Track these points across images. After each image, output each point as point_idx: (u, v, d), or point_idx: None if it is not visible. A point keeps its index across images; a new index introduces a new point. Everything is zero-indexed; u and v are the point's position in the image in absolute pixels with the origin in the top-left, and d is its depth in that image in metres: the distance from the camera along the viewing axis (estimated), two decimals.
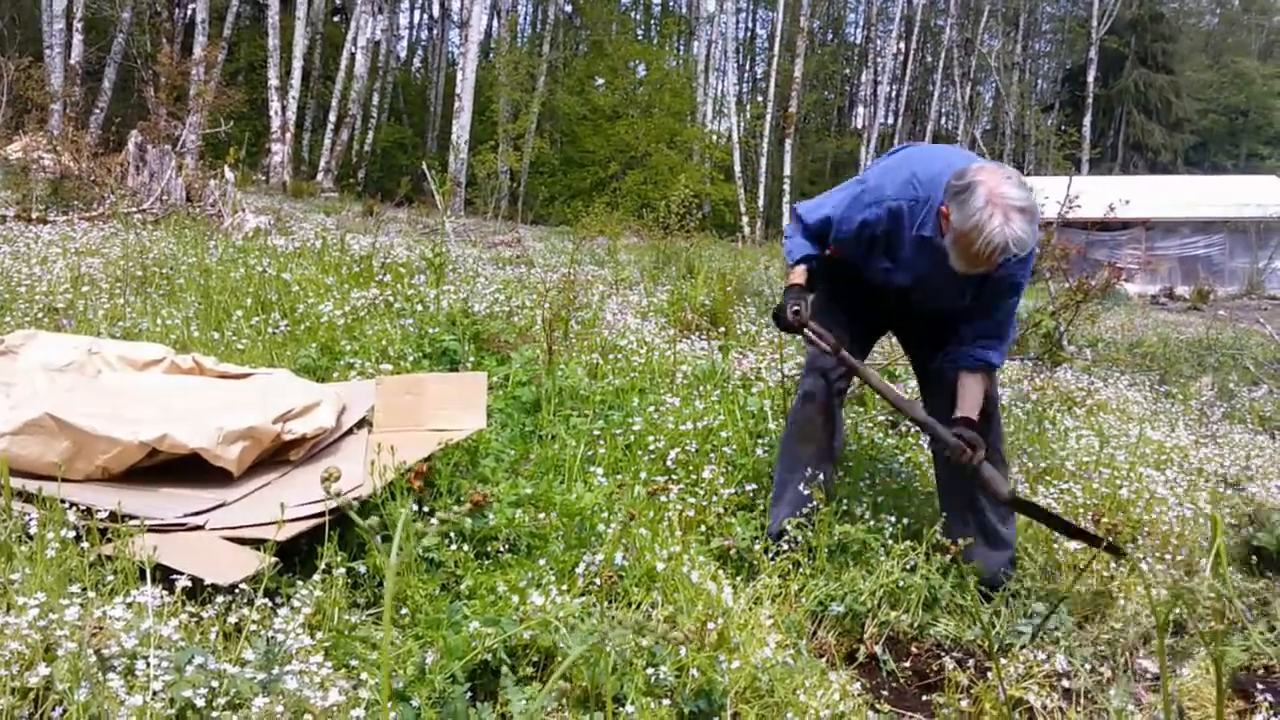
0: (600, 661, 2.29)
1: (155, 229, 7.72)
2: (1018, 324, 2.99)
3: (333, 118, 27.94)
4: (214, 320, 5.07)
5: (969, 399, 3.44)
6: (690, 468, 3.90)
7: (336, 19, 38.18)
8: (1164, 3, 53.76)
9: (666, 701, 2.56)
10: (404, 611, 2.77)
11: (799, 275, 3.64)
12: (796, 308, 3.54)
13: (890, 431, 4.72)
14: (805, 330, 3.55)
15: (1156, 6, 50.45)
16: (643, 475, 3.70)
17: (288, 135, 24.44)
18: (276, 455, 3.42)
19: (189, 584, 2.48)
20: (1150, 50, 48.67)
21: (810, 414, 3.70)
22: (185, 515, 2.92)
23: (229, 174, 9.67)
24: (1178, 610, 2.64)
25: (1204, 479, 4.93)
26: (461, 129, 24.37)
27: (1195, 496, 4.41)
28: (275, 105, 24.13)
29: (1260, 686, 2.97)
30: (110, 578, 2.50)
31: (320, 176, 26.22)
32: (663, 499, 3.52)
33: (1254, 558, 3.64)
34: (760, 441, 4.21)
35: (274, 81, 24.26)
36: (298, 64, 25.22)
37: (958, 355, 3.48)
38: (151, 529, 2.75)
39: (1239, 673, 2.99)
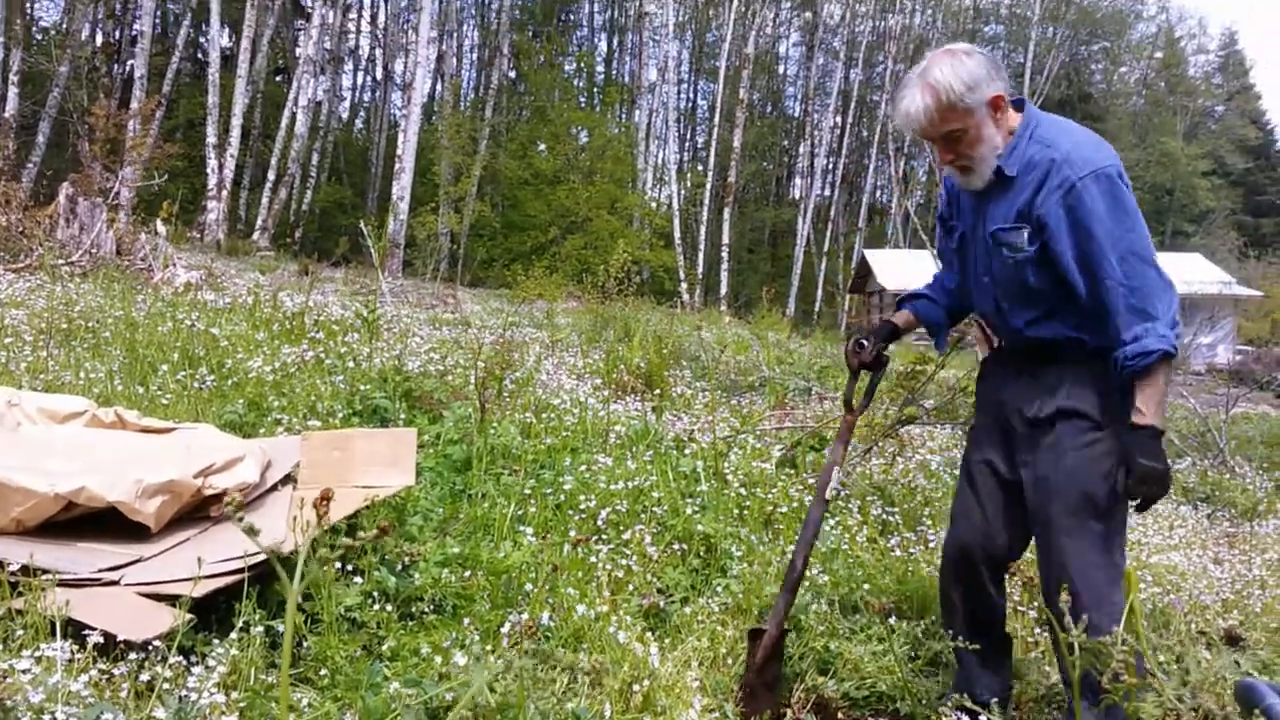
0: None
1: (83, 282, 7.60)
2: (1165, 281, 2.69)
3: (271, 176, 27.82)
4: (139, 374, 4.97)
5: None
6: (621, 527, 3.88)
7: (279, 79, 38.21)
8: (1092, 83, 55.67)
9: None
10: (324, 673, 2.71)
11: (896, 315, 3.24)
12: (861, 343, 3.13)
13: None
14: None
15: (1085, 87, 52.23)
16: (572, 533, 3.66)
17: (224, 193, 24.26)
18: (197, 511, 3.34)
19: (101, 640, 2.41)
20: None
21: (944, 585, 3.19)
22: (100, 570, 2.84)
23: (161, 228, 9.56)
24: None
25: (1127, 547, 4.99)
26: (402, 190, 24.37)
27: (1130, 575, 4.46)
28: (213, 163, 23.97)
29: None
30: (20, 632, 2.42)
31: (256, 235, 26.02)
32: (592, 559, 3.50)
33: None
34: (691, 501, 4.21)
35: (212, 139, 24.13)
36: (237, 122, 25.11)
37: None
38: (64, 583, 2.66)
39: None
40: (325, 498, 1.17)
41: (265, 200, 27.55)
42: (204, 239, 21.88)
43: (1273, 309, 44.66)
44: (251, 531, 1.27)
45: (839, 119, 46.88)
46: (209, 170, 24.02)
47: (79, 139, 17.13)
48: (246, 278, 12.28)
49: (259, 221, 27.07)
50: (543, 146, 39.34)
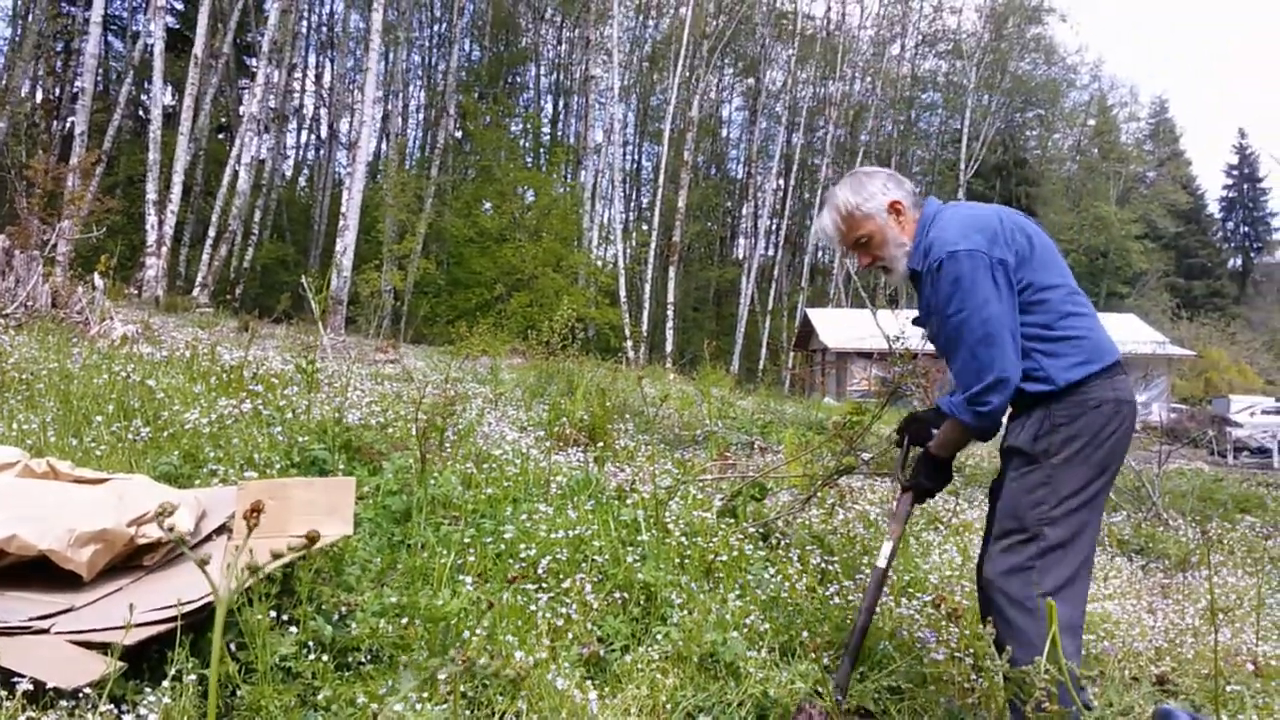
0: None
1: (18, 334, 7.48)
2: (988, 361, 2.98)
3: (212, 233, 27.62)
4: (73, 426, 4.90)
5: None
6: (561, 575, 3.87)
7: (221, 136, 38.07)
8: (1027, 149, 57.15)
9: None
10: None
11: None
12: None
13: (761, 543, 4.77)
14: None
15: (1020, 153, 53.62)
16: (509, 579, 3.65)
17: (164, 249, 24.02)
18: (130, 560, 3.29)
19: (30, 688, 2.36)
20: (1015, 193, 51.59)
21: None
22: (31, 619, 2.79)
23: (98, 281, 9.45)
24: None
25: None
26: (346, 247, 24.29)
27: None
28: (152, 219, 23.75)
29: None
30: None
31: (196, 292, 25.76)
32: (531, 607, 3.49)
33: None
34: (632, 550, 4.21)
35: (152, 195, 23.92)
36: (178, 178, 24.94)
37: None
38: None
39: None
40: (256, 509, 1.18)
41: (206, 257, 27.31)
42: (142, 295, 21.61)
43: (1205, 369, 45.80)
44: (203, 564, 1.28)
45: (781, 181, 47.66)
46: (149, 226, 23.78)
47: (16, 193, 16.94)
48: (185, 332, 12.14)
49: (199, 278, 26.81)
50: (488, 205, 39.50)
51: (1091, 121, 64.08)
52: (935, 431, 3.39)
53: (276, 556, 1.36)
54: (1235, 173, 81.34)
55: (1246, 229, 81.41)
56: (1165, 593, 6.13)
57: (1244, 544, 8.08)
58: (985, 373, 2.96)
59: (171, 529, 3.26)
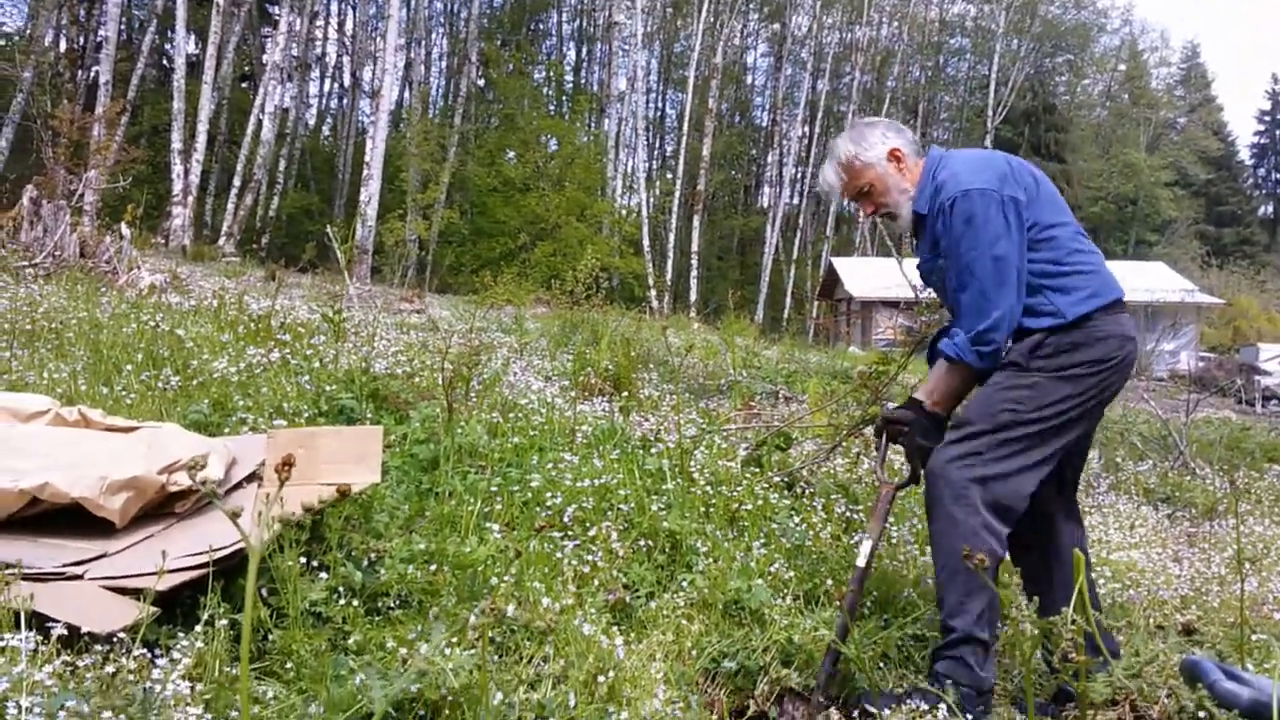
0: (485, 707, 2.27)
1: (46, 283, 7.53)
2: (994, 299, 3.01)
3: (237, 182, 27.65)
4: (103, 375, 4.94)
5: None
6: (587, 524, 3.90)
7: (245, 85, 38.00)
8: (1056, 95, 56.33)
9: None
10: (289, 666, 2.72)
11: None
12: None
13: (786, 492, 4.78)
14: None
15: (1049, 98, 52.85)
16: (536, 528, 3.68)
17: (190, 199, 24.09)
18: (162, 508, 3.34)
19: (65, 632, 2.41)
20: (1044, 140, 50.91)
21: None
22: (64, 565, 2.83)
23: (125, 231, 9.49)
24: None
25: (1087, 543, 5.07)
26: (370, 197, 24.29)
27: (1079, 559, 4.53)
28: (178, 168, 23.80)
29: None
30: None
31: (222, 241, 25.85)
32: (558, 555, 3.52)
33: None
34: (657, 499, 4.23)
35: (177, 144, 23.95)
36: (203, 128, 24.95)
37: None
38: (28, 577, 2.65)
39: None
40: (287, 463, 1.18)
41: (231, 206, 27.38)
42: (169, 244, 21.71)
43: (1234, 316, 45.36)
44: (235, 515, 1.29)
45: (806, 129, 47.21)
46: (174, 176, 23.85)
47: (43, 144, 16.99)
48: (212, 282, 12.20)
49: (225, 227, 26.90)
50: (512, 154, 39.31)
51: (1122, 67, 63.13)
52: (908, 427, 3.35)
53: (308, 509, 1.37)
54: (1267, 119, 79.92)
55: (1278, 176, 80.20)
56: (1191, 542, 6.12)
57: (1271, 493, 8.05)
58: (991, 309, 3.00)
59: (204, 482, 3.31)
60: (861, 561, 3.25)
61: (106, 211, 12.26)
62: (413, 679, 2.53)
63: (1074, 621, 1.61)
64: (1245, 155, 79.41)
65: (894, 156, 3.32)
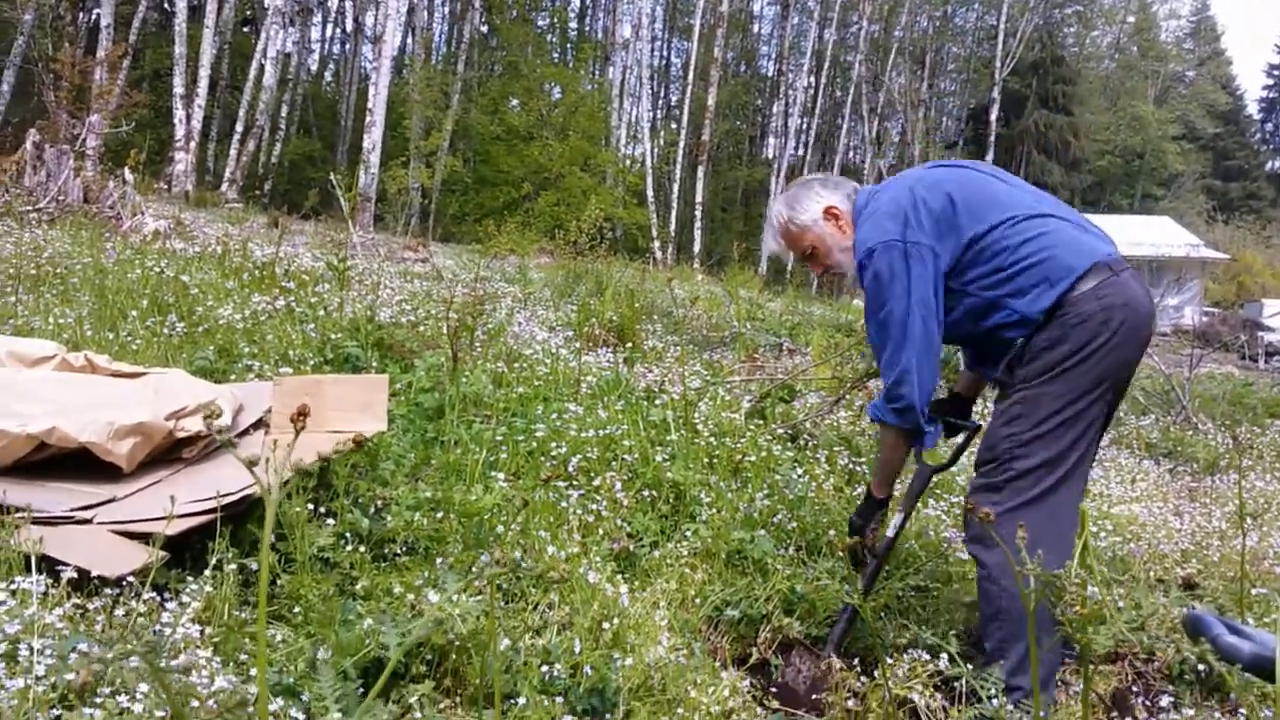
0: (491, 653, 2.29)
1: (50, 228, 7.52)
2: (903, 357, 2.93)
3: (239, 128, 27.44)
4: (109, 320, 4.95)
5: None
6: (591, 474, 3.92)
7: (246, 29, 37.60)
8: (1065, 47, 55.72)
9: (560, 699, 2.58)
10: (296, 610, 2.74)
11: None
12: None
13: (789, 444, 4.80)
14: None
15: (1057, 50, 52.28)
16: (542, 478, 3.71)
17: (192, 144, 23.94)
18: (169, 453, 3.36)
19: (75, 576, 2.43)
20: (1051, 92, 50.42)
21: None
22: (73, 510, 2.85)
23: (129, 176, 9.44)
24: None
25: (1088, 498, 5.09)
26: (373, 144, 24.13)
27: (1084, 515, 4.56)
28: (180, 113, 23.62)
29: (1137, 692, 3.10)
30: None
31: (225, 187, 25.72)
32: (562, 504, 3.54)
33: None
34: (661, 450, 4.25)
35: (179, 89, 23.76)
36: (205, 73, 24.73)
37: None
38: (37, 521, 2.68)
39: (1119, 686, 3.12)
40: (302, 413, 1.19)
41: (233, 152, 27.20)
42: (171, 190, 21.61)
43: (1239, 272, 45.20)
44: (251, 464, 1.30)
45: (813, 79, 46.75)
46: (176, 121, 23.68)
47: (44, 87, 16.86)
48: (215, 228, 12.17)
49: (227, 173, 26.74)
50: (515, 102, 38.98)
51: (1131, 18, 62.42)
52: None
53: (324, 457, 1.37)
54: (1276, 73, 79.03)
55: None
56: (1192, 496, 6.15)
57: (1273, 449, 8.07)
58: (895, 365, 2.94)
59: (220, 431, 3.33)
60: (891, 532, 3.27)
61: (109, 156, 12.20)
62: (428, 625, 2.56)
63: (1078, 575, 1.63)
64: (1253, 109, 78.61)
65: (830, 214, 3.22)
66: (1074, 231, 2.91)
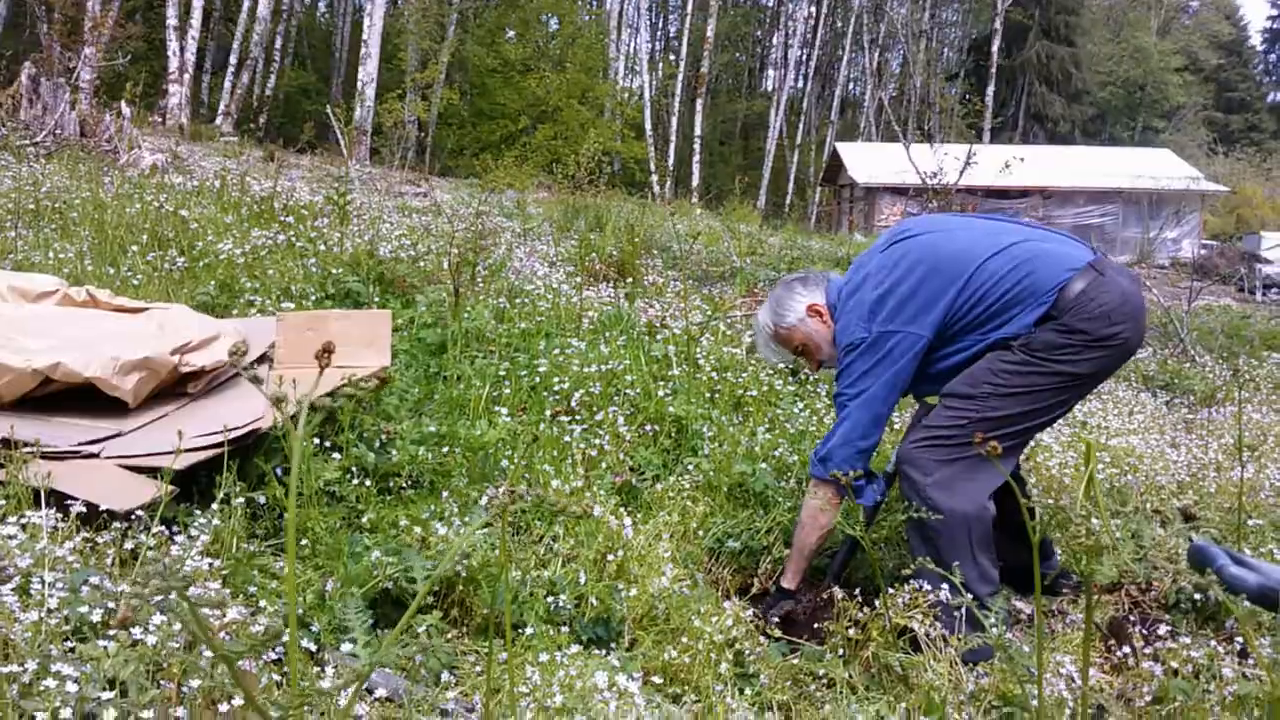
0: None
1: (48, 163, 7.46)
2: (850, 419, 3.07)
3: (233, 60, 27.12)
4: (109, 255, 4.94)
5: None
6: (594, 408, 3.94)
7: None
8: None
9: (565, 628, 2.62)
10: (304, 543, 2.78)
11: None
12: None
13: (790, 378, 4.81)
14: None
15: None
16: (547, 414, 3.73)
17: (186, 77, 23.63)
18: (174, 388, 3.37)
19: (84, 510, 2.45)
20: (1053, 22, 49.80)
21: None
22: (80, 444, 2.87)
23: (126, 110, 9.34)
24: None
25: (1086, 430, 5.13)
26: (368, 76, 23.84)
27: (1079, 447, 4.60)
28: (173, 45, 23.28)
29: (1134, 620, 3.15)
30: (2, 502, 2.45)
31: (219, 120, 25.47)
32: (566, 438, 3.57)
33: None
34: (663, 385, 4.27)
35: (172, 20, 23.40)
36: (198, 4, 24.34)
37: None
38: (45, 456, 2.69)
39: (1115, 614, 3.16)
40: (327, 350, 1.19)
41: (228, 85, 26.90)
42: (166, 123, 21.36)
43: (1238, 205, 44.98)
44: (256, 380, 1.30)
45: (813, 9, 46.03)
46: (170, 53, 23.33)
47: (37, 19, 16.59)
48: (211, 162, 12.08)
49: (222, 106, 26.47)
50: (512, 33, 38.50)
51: None
52: None
53: (352, 385, 1.37)
54: None
55: None
56: (1189, 428, 6.19)
57: (1270, 381, 8.10)
58: (840, 428, 3.08)
59: (248, 366, 3.34)
60: (890, 467, 3.29)
61: (104, 89, 12.04)
62: (455, 561, 2.59)
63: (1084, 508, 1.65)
64: (1256, 40, 77.71)
65: (814, 312, 3.29)
66: (1047, 246, 3.01)
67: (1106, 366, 2.97)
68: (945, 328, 2.99)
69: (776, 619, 3.12)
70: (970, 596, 2.13)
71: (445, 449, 3.31)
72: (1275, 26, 77.66)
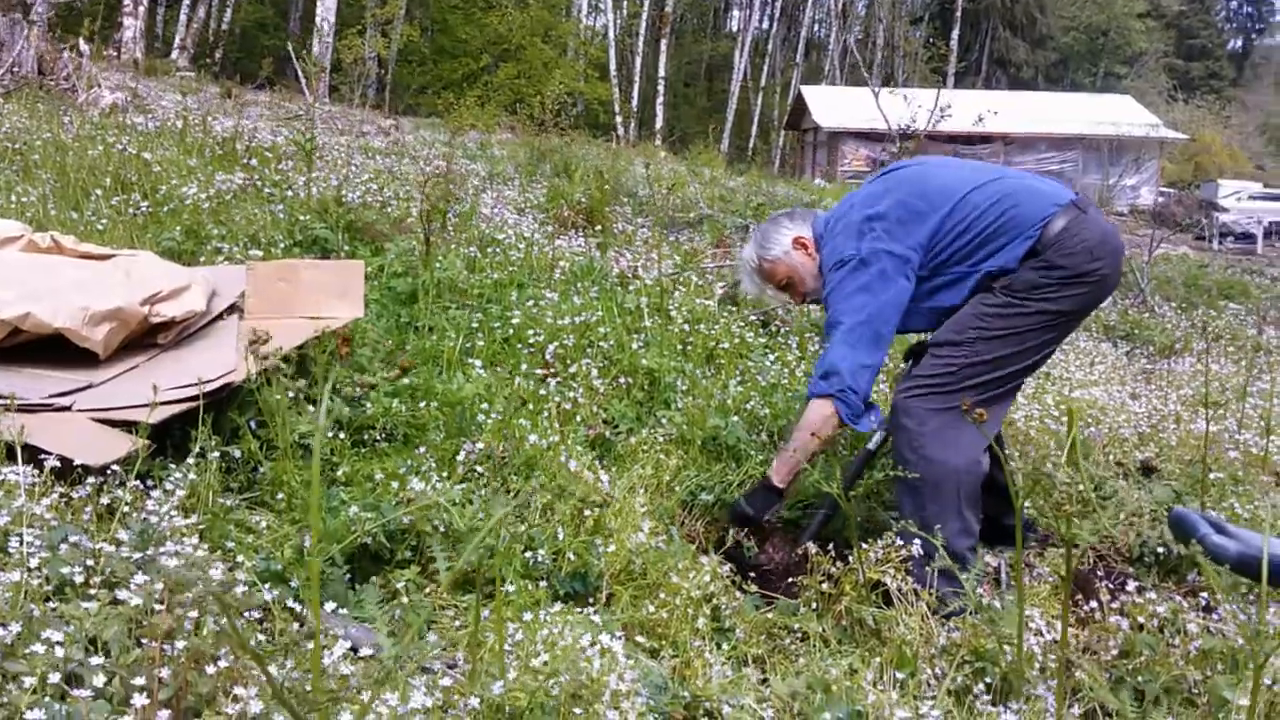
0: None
1: (6, 102, 7.27)
2: (845, 337, 3.05)
3: None
4: (72, 199, 4.84)
5: None
6: (568, 361, 3.94)
7: None
8: None
9: (544, 583, 2.64)
10: (280, 497, 2.77)
11: None
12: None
13: (761, 331, 4.83)
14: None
15: None
16: (523, 367, 3.72)
17: (141, 9, 23.02)
18: (144, 339, 3.33)
19: (58, 465, 2.43)
20: None
21: None
22: (50, 396, 2.84)
23: (85, 48, 9.10)
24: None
25: (1050, 381, 5.20)
26: (327, 11, 23.33)
27: (1043, 400, 4.66)
28: None
29: (1100, 574, 3.22)
30: None
31: (175, 55, 24.92)
32: (542, 391, 3.57)
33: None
34: (636, 337, 4.27)
35: None
36: None
37: None
38: (17, 409, 2.66)
39: (1080, 568, 3.23)
40: (345, 340, 1.18)
41: (183, 18, 26.28)
42: (120, 57, 20.85)
43: (1197, 152, 45.36)
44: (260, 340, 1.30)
45: None
46: None
47: None
48: (168, 99, 11.82)
49: (177, 40, 25.90)
50: None
51: None
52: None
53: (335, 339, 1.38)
54: None
55: (1249, 9, 79.17)
56: (1149, 379, 6.29)
57: (1229, 332, 8.25)
58: (836, 345, 3.05)
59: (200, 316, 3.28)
60: (872, 445, 3.31)
61: (58, 23, 11.71)
62: (408, 512, 2.59)
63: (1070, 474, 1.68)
64: None
65: (799, 244, 3.30)
66: (1030, 183, 3.08)
67: (1086, 304, 3.01)
68: (932, 254, 3.03)
69: (770, 519, 3.22)
70: (948, 552, 2.17)
71: (421, 403, 3.30)
72: None
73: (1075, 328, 3.19)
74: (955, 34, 42.35)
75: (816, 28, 51.07)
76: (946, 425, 2.94)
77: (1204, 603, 2.66)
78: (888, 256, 3.00)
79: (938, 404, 2.96)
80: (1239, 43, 78.72)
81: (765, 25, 46.52)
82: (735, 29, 47.94)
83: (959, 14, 42.92)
